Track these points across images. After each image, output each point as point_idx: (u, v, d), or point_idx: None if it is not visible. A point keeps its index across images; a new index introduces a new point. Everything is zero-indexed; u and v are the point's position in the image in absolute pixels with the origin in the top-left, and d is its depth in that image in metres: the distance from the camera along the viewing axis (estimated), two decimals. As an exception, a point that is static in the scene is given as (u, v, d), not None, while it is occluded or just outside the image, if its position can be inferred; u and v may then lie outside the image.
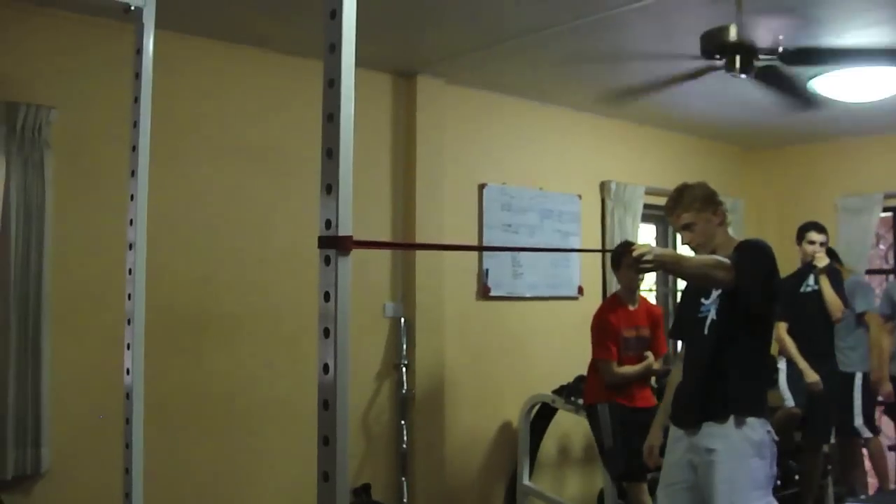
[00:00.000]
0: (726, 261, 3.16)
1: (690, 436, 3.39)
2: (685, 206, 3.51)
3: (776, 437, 3.33)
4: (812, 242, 5.78)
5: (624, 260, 4.96)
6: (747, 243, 3.42)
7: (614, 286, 6.29)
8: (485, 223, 5.79)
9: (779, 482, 5.68)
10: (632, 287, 5.04)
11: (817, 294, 5.70)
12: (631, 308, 5.01)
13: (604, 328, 4.93)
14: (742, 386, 3.32)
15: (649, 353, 5.01)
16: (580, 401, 5.22)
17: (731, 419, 3.26)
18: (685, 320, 3.64)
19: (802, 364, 5.64)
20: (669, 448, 3.53)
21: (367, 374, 5.22)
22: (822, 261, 5.72)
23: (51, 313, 3.98)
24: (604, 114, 6.51)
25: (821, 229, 5.83)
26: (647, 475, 4.64)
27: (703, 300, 3.46)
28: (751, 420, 3.26)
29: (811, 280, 5.77)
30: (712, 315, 3.40)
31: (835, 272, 5.80)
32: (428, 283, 5.39)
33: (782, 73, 4.39)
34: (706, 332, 3.41)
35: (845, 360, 5.94)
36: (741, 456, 3.22)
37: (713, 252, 3.43)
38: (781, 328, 5.73)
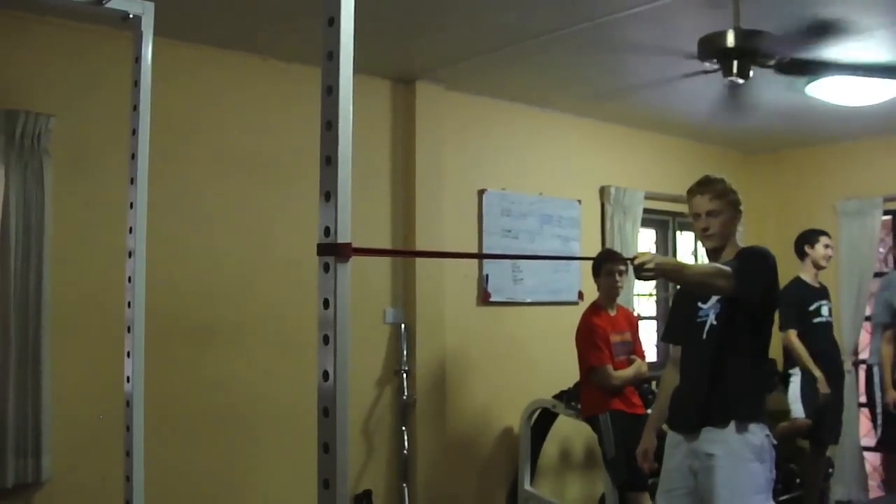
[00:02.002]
0: (727, 269, 3.15)
1: (690, 441, 3.38)
2: (718, 193, 3.44)
3: (775, 441, 3.33)
4: (828, 246, 5.79)
5: (604, 267, 5.02)
6: (749, 251, 3.42)
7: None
8: (485, 229, 5.78)
9: (779, 485, 5.70)
10: (612, 294, 5.08)
11: (831, 326, 5.81)
12: (611, 313, 5.06)
13: (593, 332, 4.95)
14: (742, 391, 3.32)
15: (636, 357, 5.04)
16: (580, 407, 5.22)
17: (732, 424, 3.26)
18: (681, 324, 3.63)
19: (817, 373, 5.55)
20: (668, 453, 3.53)
21: (367, 380, 5.21)
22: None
23: (51, 321, 3.97)
24: (603, 118, 6.51)
25: (828, 235, 5.89)
26: (647, 483, 4.64)
27: (700, 304, 3.45)
28: (751, 425, 3.26)
29: (825, 311, 5.75)
30: (711, 320, 3.40)
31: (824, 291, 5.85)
32: (428, 289, 5.38)
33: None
34: (705, 336, 3.40)
35: None
36: (741, 461, 3.23)
37: (721, 250, 3.44)
38: (792, 335, 5.64)
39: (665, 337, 3.99)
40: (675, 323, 3.82)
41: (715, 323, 3.39)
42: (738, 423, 3.26)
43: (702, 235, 3.49)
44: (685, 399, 3.49)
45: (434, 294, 5.42)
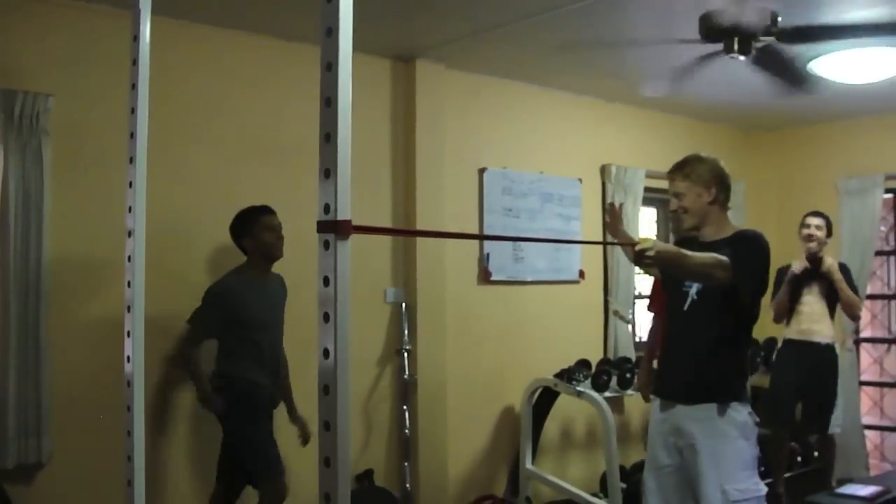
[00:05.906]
0: (725, 259, 3.14)
1: (673, 417, 3.41)
2: (682, 175, 3.50)
3: (757, 419, 3.36)
4: (804, 225, 5.61)
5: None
6: (742, 237, 3.40)
7: (616, 270, 6.35)
8: (485, 207, 5.77)
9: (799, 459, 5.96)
10: None
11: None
12: None
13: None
14: (725, 370, 3.36)
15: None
16: (581, 385, 5.24)
17: (715, 403, 3.29)
18: (667, 293, 3.65)
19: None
20: (653, 430, 3.56)
21: (368, 359, 5.22)
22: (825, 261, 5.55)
23: (50, 301, 3.97)
24: (604, 97, 6.48)
25: (816, 214, 5.71)
26: None
27: None
28: (733, 403, 3.30)
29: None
30: (693, 294, 3.42)
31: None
32: (429, 269, 5.38)
33: (781, 55, 4.35)
34: (686, 308, 3.43)
35: None
36: (727, 439, 3.27)
37: (699, 228, 3.48)
38: None
39: (651, 307, 4.03)
40: (661, 292, 3.89)
41: (696, 298, 3.41)
42: (721, 401, 3.29)
43: (676, 216, 3.57)
44: (671, 372, 3.54)
45: (435, 273, 5.42)
